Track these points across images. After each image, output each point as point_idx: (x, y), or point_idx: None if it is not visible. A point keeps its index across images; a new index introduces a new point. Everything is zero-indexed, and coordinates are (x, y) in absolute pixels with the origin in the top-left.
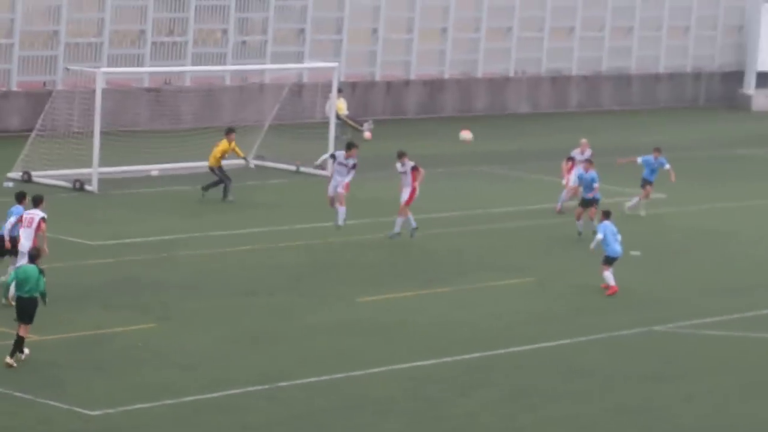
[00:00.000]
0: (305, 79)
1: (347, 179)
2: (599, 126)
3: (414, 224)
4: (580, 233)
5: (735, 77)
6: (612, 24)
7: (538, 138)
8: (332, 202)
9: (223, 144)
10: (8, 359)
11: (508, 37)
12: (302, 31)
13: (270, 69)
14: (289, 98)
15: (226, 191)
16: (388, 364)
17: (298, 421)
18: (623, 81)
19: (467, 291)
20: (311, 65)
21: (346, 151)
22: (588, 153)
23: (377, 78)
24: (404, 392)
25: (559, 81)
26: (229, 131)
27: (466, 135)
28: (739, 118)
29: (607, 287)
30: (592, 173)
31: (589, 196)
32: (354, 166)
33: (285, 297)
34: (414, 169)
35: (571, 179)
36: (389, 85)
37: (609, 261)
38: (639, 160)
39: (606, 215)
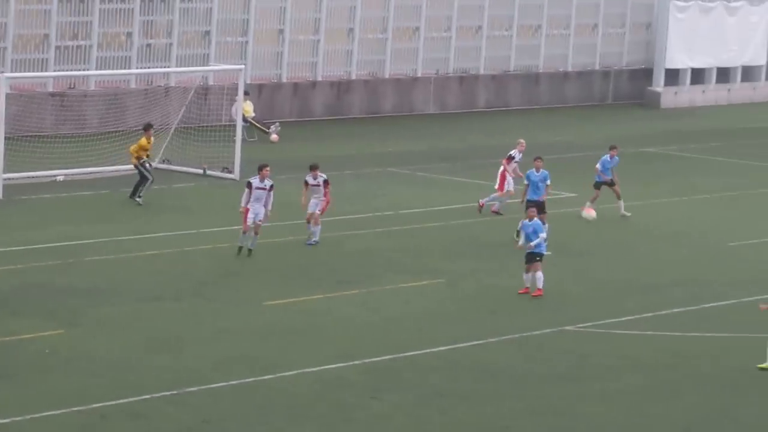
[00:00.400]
0: (211, 82)
1: (269, 207)
2: (507, 125)
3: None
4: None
5: (643, 75)
6: (519, 23)
7: (446, 138)
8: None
9: (142, 140)
10: None
11: (416, 37)
12: (207, 33)
13: (175, 72)
14: (195, 101)
15: (137, 189)
16: (298, 368)
17: (208, 426)
18: (531, 80)
19: (377, 293)
20: (217, 68)
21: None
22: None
23: (284, 80)
24: (314, 396)
25: (466, 80)
26: (147, 127)
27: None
28: (648, 116)
29: (527, 290)
30: (544, 172)
31: (541, 198)
32: (271, 188)
33: (193, 301)
34: (326, 182)
35: (510, 182)
36: (296, 87)
37: (530, 259)
38: (598, 166)
39: (536, 213)
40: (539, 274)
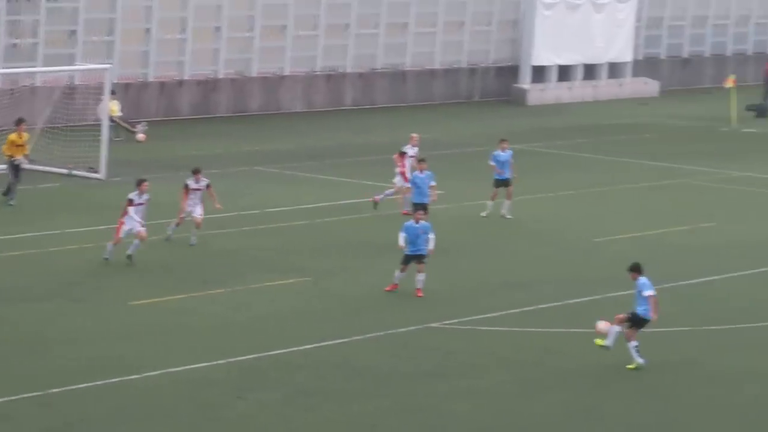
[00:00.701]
0: (77, 81)
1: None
2: (375, 123)
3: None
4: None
5: (510, 72)
6: (387, 21)
7: (314, 137)
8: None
9: (12, 136)
10: None
11: (283, 35)
12: (74, 32)
13: (41, 72)
14: (61, 101)
15: (10, 189)
16: (164, 368)
17: (72, 428)
18: (398, 77)
19: (243, 292)
20: (83, 67)
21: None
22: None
23: (150, 79)
24: (180, 395)
25: (333, 79)
26: (18, 122)
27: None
28: (514, 113)
29: (393, 286)
30: (428, 173)
31: (427, 201)
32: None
33: (58, 302)
34: (209, 186)
35: (398, 180)
36: (162, 86)
37: (406, 260)
38: (492, 162)
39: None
40: (423, 276)
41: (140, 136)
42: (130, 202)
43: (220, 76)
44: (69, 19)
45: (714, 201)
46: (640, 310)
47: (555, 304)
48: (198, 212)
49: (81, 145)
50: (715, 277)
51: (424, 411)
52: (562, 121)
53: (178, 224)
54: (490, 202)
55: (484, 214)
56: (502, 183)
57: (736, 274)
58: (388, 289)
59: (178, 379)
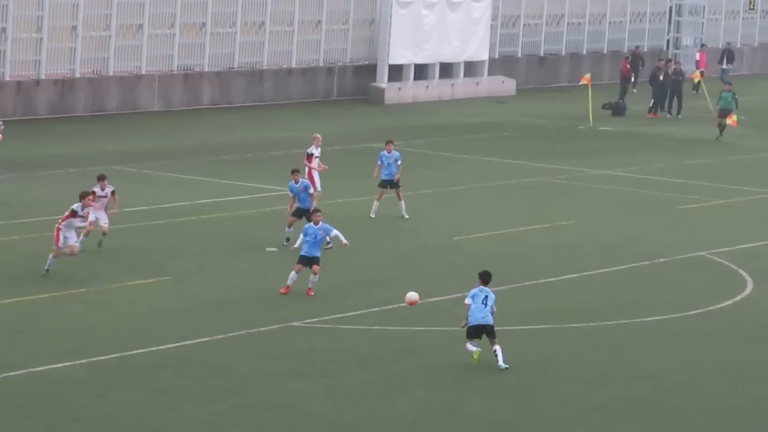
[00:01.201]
0: None
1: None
2: (232, 122)
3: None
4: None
5: (367, 71)
6: (243, 19)
7: (172, 136)
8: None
9: None
10: None
11: (139, 34)
12: None
13: None
14: None
15: None
16: (25, 368)
17: None
18: (255, 76)
19: (103, 292)
20: None
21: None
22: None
23: (7, 78)
24: (42, 395)
25: (191, 77)
26: None
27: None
28: (372, 112)
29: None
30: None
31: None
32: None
33: None
34: (113, 193)
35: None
36: (19, 85)
37: (302, 261)
38: (379, 162)
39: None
40: (316, 277)
41: None
42: (73, 214)
43: (77, 75)
44: None
45: (572, 199)
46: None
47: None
48: (104, 221)
49: None
50: (574, 275)
51: (286, 409)
52: (420, 120)
53: (86, 234)
54: (376, 203)
55: (372, 215)
56: (388, 183)
57: (594, 272)
58: (282, 291)
59: (40, 378)
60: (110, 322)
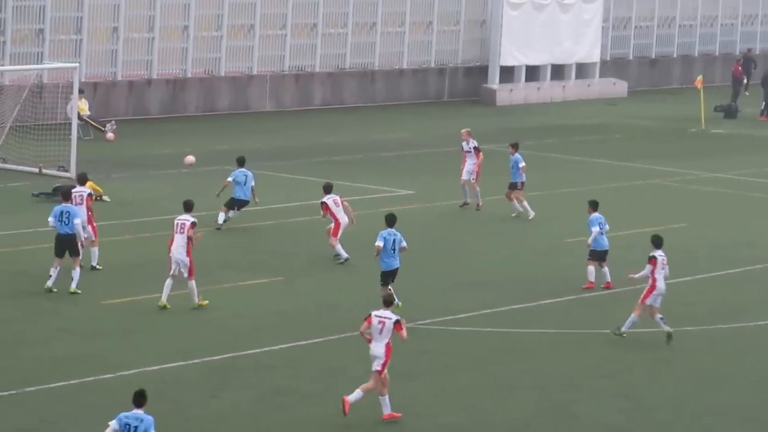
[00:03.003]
0: (45, 80)
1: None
2: (343, 123)
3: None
4: None
5: (479, 72)
6: (354, 20)
7: (283, 136)
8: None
9: None
10: None
11: (251, 35)
12: (41, 31)
13: (9, 70)
14: (29, 99)
15: None
16: (137, 367)
17: (47, 426)
18: (367, 77)
19: (215, 291)
20: (51, 66)
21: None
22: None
23: (119, 78)
24: (153, 395)
25: (302, 78)
26: None
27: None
28: (483, 113)
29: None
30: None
31: None
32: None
33: (30, 301)
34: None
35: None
36: (131, 85)
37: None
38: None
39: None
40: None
41: (109, 135)
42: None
43: (189, 75)
44: (36, 17)
45: (684, 201)
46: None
47: (526, 305)
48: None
49: (50, 144)
50: (686, 278)
51: (396, 410)
52: (531, 121)
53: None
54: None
55: (514, 214)
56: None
57: (706, 275)
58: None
59: (153, 378)
60: (222, 322)
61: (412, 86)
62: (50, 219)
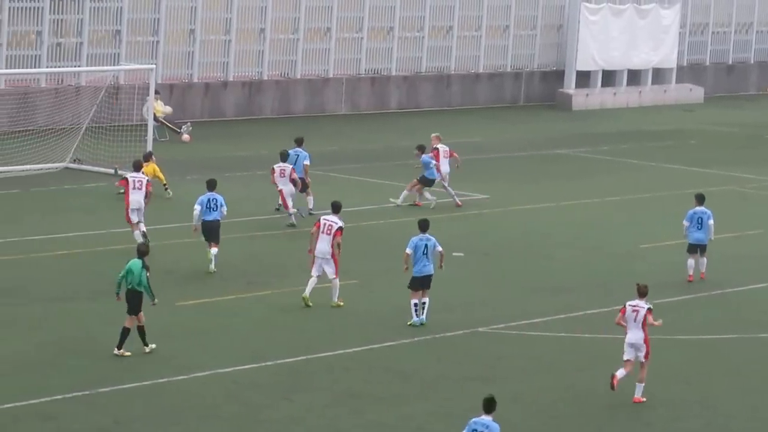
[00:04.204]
0: (122, 81)
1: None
2: (418, 126)
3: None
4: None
5: (555, 77)
6: (431, 24)
7: (358, 139)
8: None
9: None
10: (116, 351)
11: (327, 38)
12: (118, 32)
13: (86, 71)
14: (105, 101)
15: None
16: (210, 369)
17: (120, 427)
18: (443, 81)
19: (289, 293)
20: (128, 67)
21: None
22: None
23: (195, 79)
24: (227, 397)
25: (378, 81)
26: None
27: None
28: (559, 117)
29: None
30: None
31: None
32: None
33: (104, 302)
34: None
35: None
36: (207, 87)
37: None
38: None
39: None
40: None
41: (185, 137)
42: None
43: (265, 77)
44: (113, 18)
45: (760, 208)
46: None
47: (601, 309)
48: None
49: (126, 145)
50: (762, 285)
51: (471, 415)
52: (606, 126)
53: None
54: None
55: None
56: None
57: None
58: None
59: (225, 379)
60: (295, 324)
61: (487, 90)
62: (196, 206)
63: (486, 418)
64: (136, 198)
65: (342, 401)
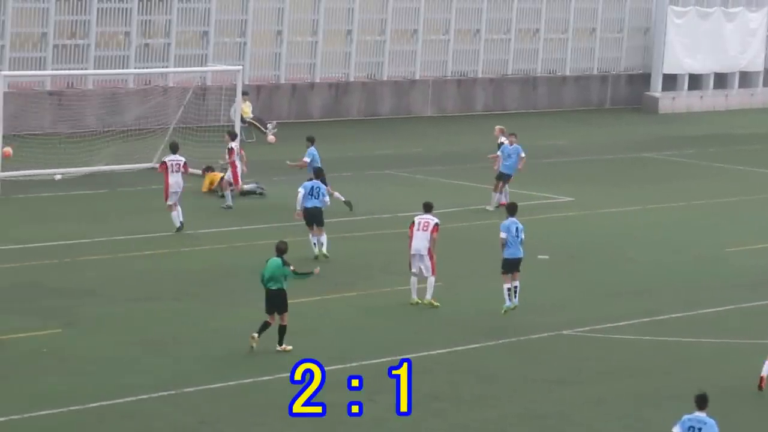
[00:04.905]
0: (209, 82)
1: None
2: (505, 129)
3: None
4: None
5: (641, 79)
6: (518, 26)
7: (444, 141)
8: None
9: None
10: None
11: (413, 39)
12: (206, 33)
13: (173, 72)
14: (193, 101)
15: None
16: (289, 371)
17: (204, 427)
18: (529, 83)
19: (374, 295)
20: (215, 68)
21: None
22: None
23: (282, 81)
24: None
25: (464, 84)
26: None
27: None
28: (645, 121)
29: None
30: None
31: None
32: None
33: (190, 302)
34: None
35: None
36: (294, 88)
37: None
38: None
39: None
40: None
41: (270, 138)
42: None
43: (351, 79)
44: (201, 19)
45: None
46: None
47: (685, 313)
48: None
49: (213, 146)
50: None
51: (555, 418)
52: (693, 130)
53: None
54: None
55: (489, 207)
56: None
57: None
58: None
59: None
60: (379, 326)
61: (574, 93)
62: (300, 189)
63: (701, 414)
64: (176, 180)
65: (425, 403)
